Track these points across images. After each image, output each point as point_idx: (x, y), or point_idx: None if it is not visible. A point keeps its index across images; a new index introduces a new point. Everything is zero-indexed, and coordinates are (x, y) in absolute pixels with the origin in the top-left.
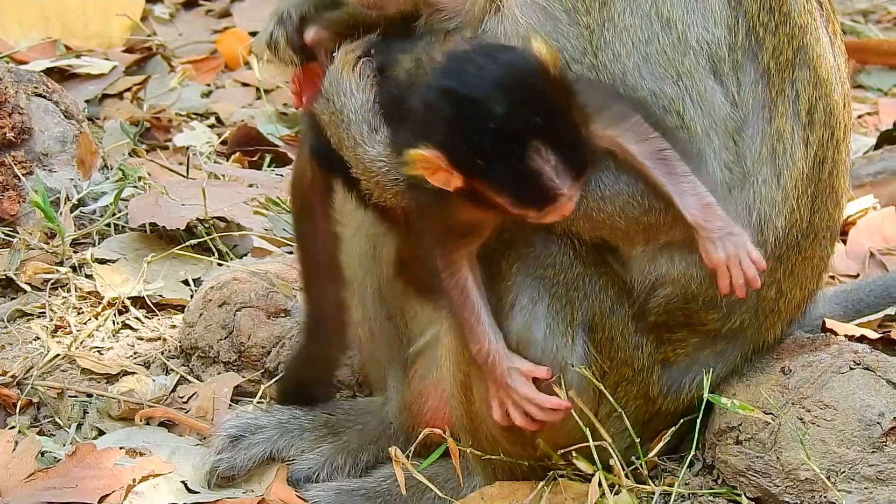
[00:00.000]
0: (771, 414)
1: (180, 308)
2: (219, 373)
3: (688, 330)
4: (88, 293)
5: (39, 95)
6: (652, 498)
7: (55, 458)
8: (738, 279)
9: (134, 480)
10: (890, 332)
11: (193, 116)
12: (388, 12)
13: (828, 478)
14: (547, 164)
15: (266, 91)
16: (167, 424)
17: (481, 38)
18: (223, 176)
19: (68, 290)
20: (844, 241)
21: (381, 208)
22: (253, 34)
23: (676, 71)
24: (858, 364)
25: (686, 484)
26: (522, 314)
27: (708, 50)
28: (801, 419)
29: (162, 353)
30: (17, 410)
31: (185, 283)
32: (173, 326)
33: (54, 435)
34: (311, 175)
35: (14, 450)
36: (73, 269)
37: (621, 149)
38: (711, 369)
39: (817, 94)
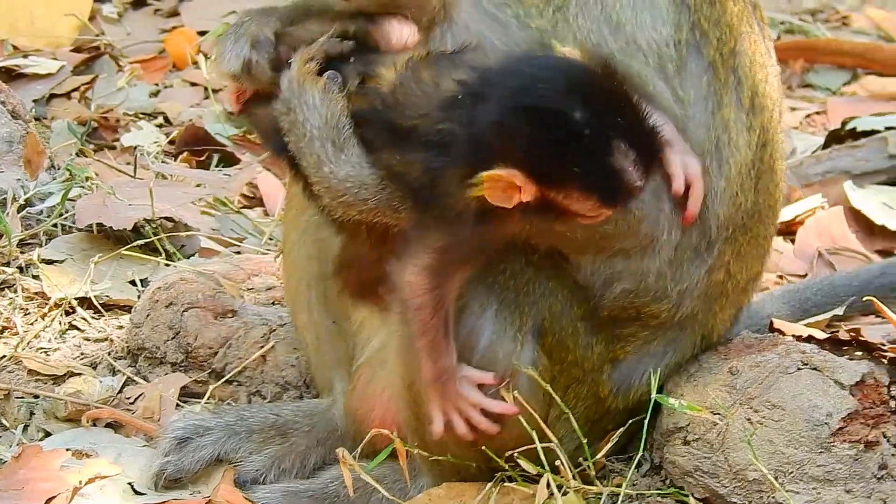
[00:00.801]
0: (718, 414)
1: (127, 309)
2: (166, 374)
3: (639, 324)
4: (35, 294)
5: None
6: (600, 499)
7: (1, 460)
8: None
9: (80, 482)
10: (838, 332)
11: (141, 116)
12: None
13: (776, 478)
14: (628, 159)
15: (214, 91)
16: (114, 426)
17: (510, 51)
18: (171, 176)
19: (15, 291)
20: (793, 241)
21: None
22: (202, 33)
23: (626, 74)
24: (806, 364)
25: (634, 485)
26: (471, 320)
27: (657, 49)
28: (748, 419)
29: (109, 353)
30: None
31: (133, 283)
32: (120, 327)
33: (0, 437)
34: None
35: None
36: (20, 269)
37: None
38: (661, 362)
39: (757, 79)
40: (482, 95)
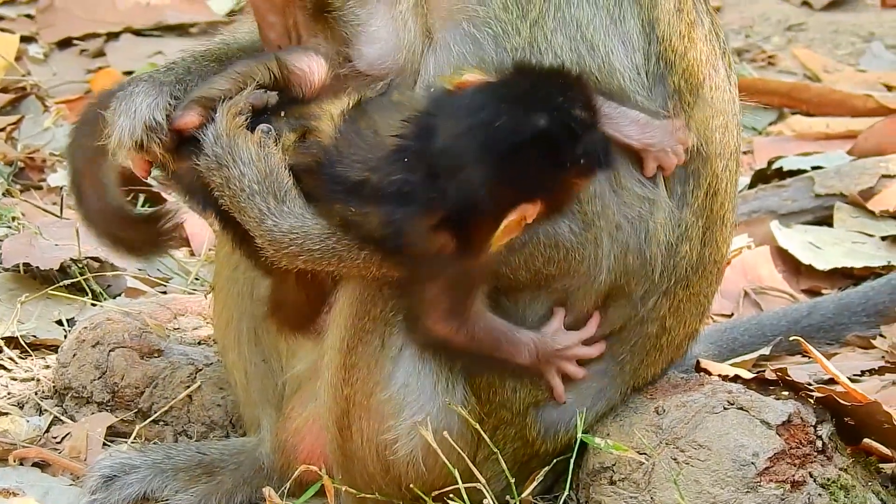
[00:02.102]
0: (645, 454)
1: (54, 348)
2: (92, 413)
3: None
4: None
5: None
6: None
7: None
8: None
9: None
10: (764, 371)
11: None
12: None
13: None
14: (591, 122)
15: None
16: (41, 465)
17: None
18: None
19: None
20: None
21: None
22: (128, 73)
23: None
24: (732, 404)
25: None
26: (408, 361)
27: (629, 75)
28: (675, 459)
29: (35, 393)
30: None
31: (59, 323)
32: (47, 367)
33: None
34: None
35: None
36: None
37: None
38: (588, 408)
39: (714, 125)
40: (461, 153)
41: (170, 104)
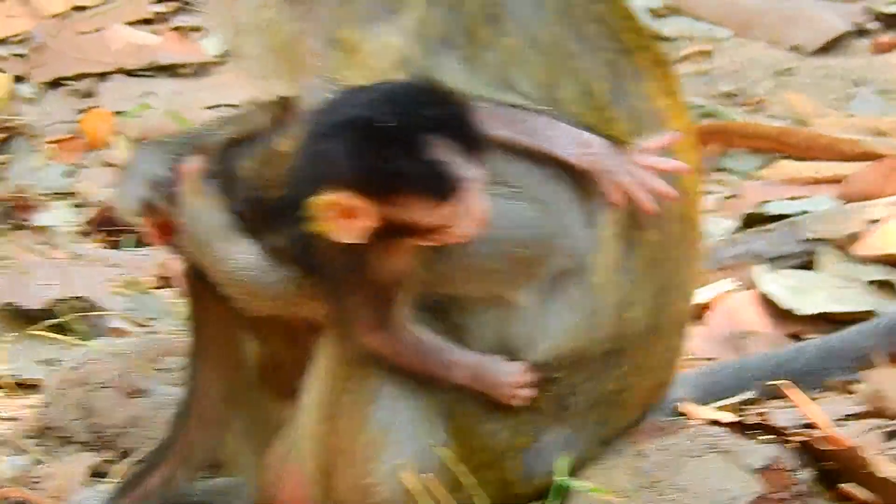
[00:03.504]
0: (626, 497)
1: (38, 388)
2: (76, 453)
3: (531, 408)
4: None
5: None
6: None
7: None
8: (655, 187)
9: None
10: (746, 416)
11: (56, 196)
12: None
13: None
14: (450, 150)
15: None
16: None
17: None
18: (84, 256)
19: None
20: (703, 324)
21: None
22: (118, 114)
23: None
24: (714, 448)
25: None
26: (386, 402)
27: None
28: (655, 503)
29: (18, 432)
30: None
31: (44, 363)
32: (30, 406)
33: None
34: None
35: None
36: None
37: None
38: (564, 455)
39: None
40: (303, 138)
41: (175, 160)
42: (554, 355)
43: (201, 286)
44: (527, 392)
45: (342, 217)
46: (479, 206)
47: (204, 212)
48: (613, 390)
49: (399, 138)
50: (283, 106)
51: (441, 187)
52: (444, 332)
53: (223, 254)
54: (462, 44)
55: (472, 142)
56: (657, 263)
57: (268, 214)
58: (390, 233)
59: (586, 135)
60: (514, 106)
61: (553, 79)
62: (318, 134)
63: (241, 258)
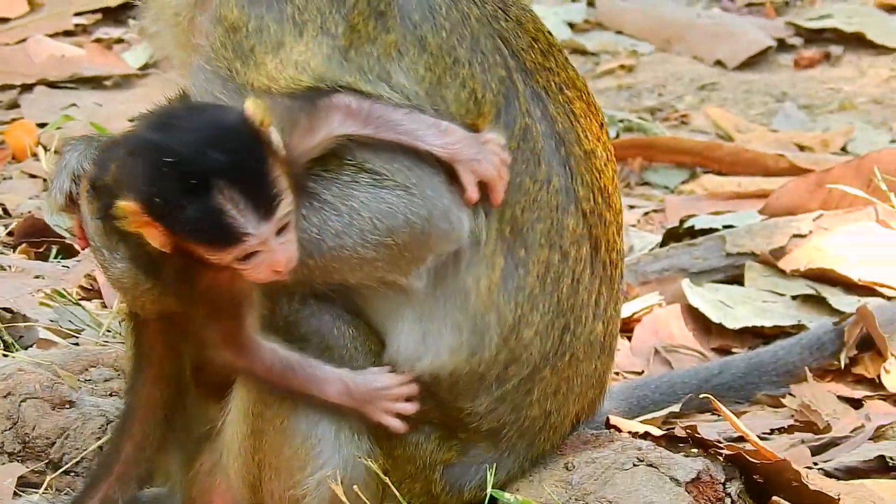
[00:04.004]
0: None
1: None
2: (3, 464)
3: (449, 425)
4: None
5: None
6: None
7: None
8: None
9: None
10: (674, 429)
11: None
12: None
13: None
14: (230, 201)
15: None
16: None
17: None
18: (9, 267)
19: None
20: (629, 338)
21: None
22: (41, 125)
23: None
24: (642, 461)
25: None
26: (309, 412)
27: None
28: None
29: None
30: None
31: None
32: None
33: None
34: None
35: None
36: None
37: (358, 139)
38: (491, 472)
39: (532, 217)
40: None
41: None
42: (437, 372)
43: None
44: (407, 407)
45: (138, 224)
46: (269, 256)
47: (88, 217)
48: (537, 416)
49: (193, 176)
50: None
51: (214, 236)
52: (317, 350)
53: (106, 258)
54: (340, 34)
55: (264, 195)
56: (555, 283)
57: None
58: (189, 254)
59: (446, 124)
60: (376, 100)
61: (437, 79)
62: (133, 142)
63: (120, 263)
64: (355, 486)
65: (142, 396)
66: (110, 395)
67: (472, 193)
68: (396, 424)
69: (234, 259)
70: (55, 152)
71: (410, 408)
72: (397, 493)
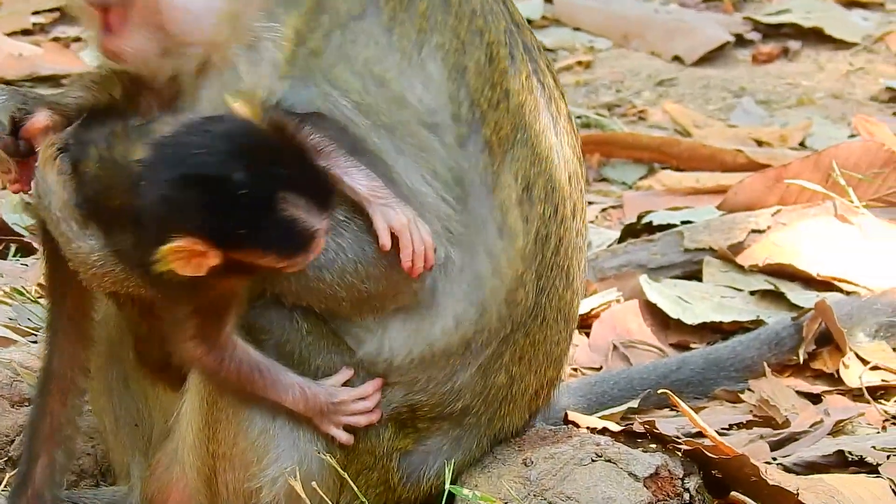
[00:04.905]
0: None
1: None
2: None
3: (413, 413)
4: None
5: None
6: None
7: None
8: (419, 246)
9: None
10: (632, 424)
11: None
12: (133, 68)
13: None
14: (299, 209)
15: None
16: None
17: (177, 120)
18: None
19: None
20: (588, 334)
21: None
22: None
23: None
24: (600, 456)
25: None
26: (264, 405)
27: (432, 118)
28: None
29: None
30: None
31: None
32: None
33: None
34: None
35: None
36: None
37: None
38: (450, 458)
39: (535, 171)
40: (152, 169)
41: (20, 109)
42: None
43: (55, 248)
44: (360, 420)
45: (189, 259)
46: (319, 247)
47: (55, 187)
48: (503, 384)
49: (247, 195)
50: (131, 80)
51: (293, 244)
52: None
53: (72, 232)
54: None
55: (319, 190)
56: (544, 241)
57: (107, 214)
58: (231, 269)
59: (396, 207)
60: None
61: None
62: (166, 177)
63: (89, 240)
64: (313, 483)
65: (58, 348)
66: None
67: (385, 243)
68: (344, 437)
69: (298, 261)
70: None
71: (364, 420)
72: (355, 488)
